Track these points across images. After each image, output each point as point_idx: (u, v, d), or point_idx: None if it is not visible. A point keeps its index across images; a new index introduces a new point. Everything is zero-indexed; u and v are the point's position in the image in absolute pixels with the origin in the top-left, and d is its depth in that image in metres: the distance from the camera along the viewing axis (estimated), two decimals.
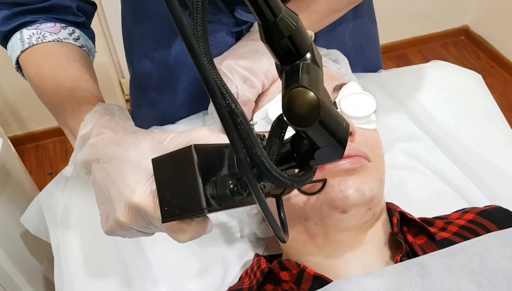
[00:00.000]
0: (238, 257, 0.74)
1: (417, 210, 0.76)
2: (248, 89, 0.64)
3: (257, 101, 0.66)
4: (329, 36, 0.75)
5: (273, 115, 0.61)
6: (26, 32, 0.66)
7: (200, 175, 0.38)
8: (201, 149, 0.39)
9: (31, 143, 2.36)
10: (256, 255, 0.68)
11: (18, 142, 2.33)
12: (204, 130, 0.47)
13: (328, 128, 0.35)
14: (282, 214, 0.47)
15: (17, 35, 0.66)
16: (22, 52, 0.66)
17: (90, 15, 0.75)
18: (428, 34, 2.72)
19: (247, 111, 0.65)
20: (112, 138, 0.52)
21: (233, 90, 0.65)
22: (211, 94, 0.30)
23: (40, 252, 1.00)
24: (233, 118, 0.31)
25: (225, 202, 0.39)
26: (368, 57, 0.92)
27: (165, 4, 0.28)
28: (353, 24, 0.84)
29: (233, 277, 0.72)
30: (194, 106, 0.85)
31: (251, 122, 0.63)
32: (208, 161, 0.40)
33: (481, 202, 0.78)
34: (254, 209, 0.72)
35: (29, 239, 0.89)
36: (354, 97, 0.63)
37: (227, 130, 0.31)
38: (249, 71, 0.64)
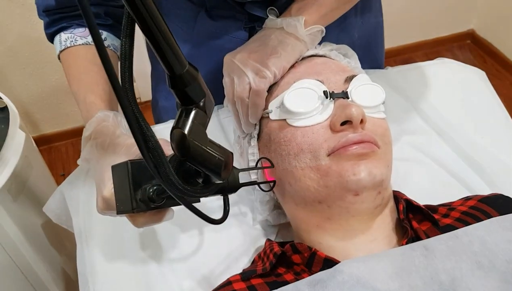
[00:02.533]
0: (251, 243, 0.77)
1: (422, 200, 0.79)
2: (259, 80, 0.67)
3: (271, 91, 0.70)
4: (338, 31, 0.79)
5: (288, 104, 0.64)
6: (63, 35, 0.79)
7: (132, 184, 0.54)
8: (138, 162, 0.54)
9: (44, 146, 2.41)
10: (268, 239, 0.72)
11: None
12: (162, 141, 0.57)
13: (200, 161, 0.47)
14: (227, 207, 0.60)
15: (57, 38, 0.80)
16: (60, 52, 0.79)
17: (120, 17, 0.82)
18: (434, 38, 2.75)
19: (260, 101, 0.68)
20: (102, 143, 0.66)
21: (245, 81, 0.68)
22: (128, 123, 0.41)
23: (60, 244, 1.04)
24: (146, 143, 0.43)
25: (149, 205, 0.55)
26: (375, 55, 0.96)
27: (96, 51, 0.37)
28: (361, 22, 0.87)
29: (246, 262, 0.76)
30: None
31: (266, 111, 0.67)
32: (141, 172, 0.54)
33: (484, 191, 0.80)
34: (266, 196, 0.76)
35: (49, 230, 0.92)
36: (364, 88, 0.66)
37: (142, 153, 0.43)
38: (261, 63, 0.68)
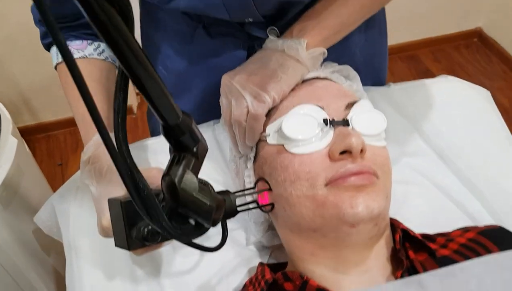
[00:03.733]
0: (243, 264, 0.76)
1: (419, 224, 0.78)
2: (258, 105, 0.65)
3: (269, 114, 0.68)
4: (340, 50, 0.76)
5: (287, 130, 0.63)
6: None
7: (126, 223, 0.55)
8: (131, 201, 0.53)
9: (42, 134, 2.40)
10: (260, 264, 0.70)
11: (30, 132, 2.37)
12: (155, 171, 0.61)
13: (190, 208, 0.47)
14: (225, 232, 0.59)
15: (54, 49, 0.78)
16: (57, 64, 0.77)
17: None
18: (441, 35, 2.71)
19: (257, 125, 0.66)
20: (100, 169, 0.65)
21: (243, 105, 0.66)
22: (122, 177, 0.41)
23: (51, 249, 1.03)
24: (139, 193, 0.43)
25: (144, 243, 0.56)
26: (377, 71, 0.94)
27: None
28: (364, 39, 0.85)
29: (238, 283, 0.75)
30: (205, 115, 0.87)
31: (263, 134, 0.65)
32: (135, 211, 0.53)
33: (484, 218, 0.79)
34: (261, 217, 0.74)
35: (40, 236, 0.91)
36: (365, 115, 0.64)
37: (135, 203, 0.44)
38: (260, 87, 0.66)
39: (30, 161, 1.04)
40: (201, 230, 0.53)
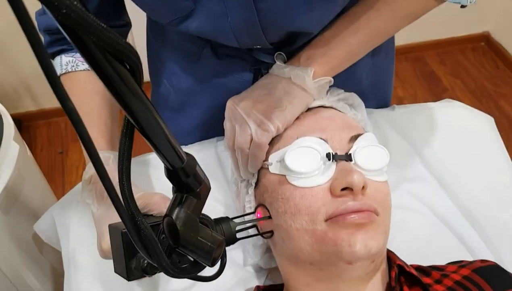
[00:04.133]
0: (240, 284, 0.77)
1: (415, 251, 0.79)
2: (262, 133, 0.65)
3: (272, 142, 0.68)
4: (346, 75, 0.76)
5: (289, 162, 0.63)
6: (64, 58, 0.76)
7: (126, 253, 0.55)
8: None
9: (43, 120, 2.40)
10: (257, 288, 0.71)
11: (30, 118, 2.37)
12: (158, 198, 0.60)
13: (190, 249, 0.47)
14: (224, 259, 0.58)
15: (58, 59, 0.77)
16: (60, 75, 0.76)
17: (122, 36, 0.78)
18: (448, 38, 2.69)
19: (260, 154, 0.66)
20: (101, 190, 0.64)
21: (247, 132, 0.66)
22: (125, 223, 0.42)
23: (49, 253, 1.04)
24: (140, 233, 0.44)
25: (143, 274, 0.56)
26: (383, 92, 0.93)
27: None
28: (372, 63, 0.84)
29: None
30: (209, 132, 0.87)
31: (266, 163, 0.66)
32: None
33: (481, 250, 0.80)
34: (259, 240, 0.75)
35: (39, 240, 0.92)
36: (368, 149, 0.64)
37: (134, 241, 0.44)
38: (264, 116, 0.66)
39: (32, 165, 1.04)
40: (199, 267, 0.53)
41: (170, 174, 0.45)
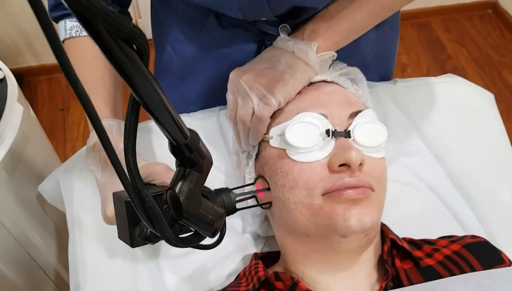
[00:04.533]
0: (238, 251, 0.80)
1: (409, 224, 0.81)
2: (263, 107, 0.66)
3: (274, 116, 0.69)
4: (350, 48, 0.76)
5: (290, 137, 0.64)
6: (69, 23, 0.76)
7: (129, 221, 0.57)
8: None
9: (44, 76, 2.39)
10: (255, 255, 0.74)
11: (32, 73, 2.36)
12: (160, 168, 0.62)
13: (192, 221, 0.50)
14: (224, 229, 0.59)
15: (62, 23, 0.76)
16: (64, 39, 0.76)
17: (126, 3, 0.80)
18: (455, 4, 2.65)
19: (262, 127, 0.68)
20: (106, 157, 0.62)
21: (249, 105, 0.67)
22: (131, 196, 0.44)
23: (53, 213, 1.06)
24: (144, 205, 0.45)
25: (146, 242, 0.58)
26: (386, 65, 0.93)
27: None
28: (375, 36, 0.84)
29: (232, 269, 0.78)
30: (211, 100, 0.88)
31: (266, 136, 0.67)
32: None
33: (472, 223, 0.82)
34: (258, 210, 0.77)
35: (43, 200, 0.94)
36: (367, 126, 0.66)
37: (139, 213, 0.46)
38: (267, 89, 0.67)
39: (35, 125, 1.05)
40: (200, 237, 0.55)
41: (174, 149, 0.47)
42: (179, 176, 0.48)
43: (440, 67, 2.48)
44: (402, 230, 0.79)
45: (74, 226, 0.80)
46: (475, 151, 0.88)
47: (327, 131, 0.64)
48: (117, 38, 0.33)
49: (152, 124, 0.89)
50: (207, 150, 0.51)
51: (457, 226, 0.82)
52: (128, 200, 0.58)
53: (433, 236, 0.78)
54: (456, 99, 0.91)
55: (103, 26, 0.31)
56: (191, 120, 0.88)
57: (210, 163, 0.51)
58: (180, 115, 0.90)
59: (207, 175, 0.51)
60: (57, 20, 0.78)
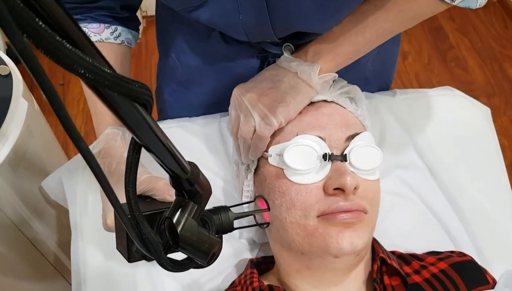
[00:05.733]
0: (235, 255, 0.83)
1: (400, 235, 0.85)
2: (264, 126, 0.68)
3: (274, 134, 0.71)
4: (350, 64, 0.77)
5: (288, 159, 0.66)
6: None
7: (128, 238, 0.58)
8: None
9: None
10: (251, 263, 0.77)
11: (32, 47, 2.34)
12: (162, 184, 0.63)
13: (189, 250, 0.50)
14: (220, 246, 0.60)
15: None
16: None
17: (135, 5, 0.81)
18: None
19: (262, 145, 0.70)
20: (109, 165, 0.67)
21: (251, 124, 0.69)
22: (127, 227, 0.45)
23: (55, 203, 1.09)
24: (143, 238, 0.47)
25: (142, 259, 0.60)
26: (385, 77, 0.95)
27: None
28: (377, 51, 0.85)
29: (228, 273, 0.82)
30: (213, 107, 0.90)
31: (266, 153, 0.69)
32: None
33: (461, 236, 0.85)
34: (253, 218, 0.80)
35: (45, 193, 0.96)
36: (363, 150, 0.68)
37: (136, 242, 0.47)
38: (268, 110, 0.68)
39: (40, 119, 1.06)
40: (195, 263, 0.57)
41: (175, 182, 0.48)
42: (178, 206, 0.50)
43: (441, 56, 2.48)
44: (394, 240, 0.83)
45: (76, 226, 0.82)
46: (469, 166, 0.90)
47: (324, 156, 0.66)
48: (125, 99, 0.34)
49: (162, 127, 0.91)
50: (207, 180, 0.52)
51: (447, 238, 0.86)
52: (128, 216, 0.59)
53: (423, 247, 0.82)
54: (453, 114, 0.93)
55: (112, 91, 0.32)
56: (192, 126, 0.89)
57: (209, 193, 0.53)
58: (182, 120, 0.92)
59: (206, 204, 0.53)
60: None
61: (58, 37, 0.26)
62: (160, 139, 0.41)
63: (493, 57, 2.47)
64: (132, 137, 0.43)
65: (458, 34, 2.57)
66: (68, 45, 0.26)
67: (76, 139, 0.30)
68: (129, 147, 0.43)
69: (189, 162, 0.49)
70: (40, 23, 0.25)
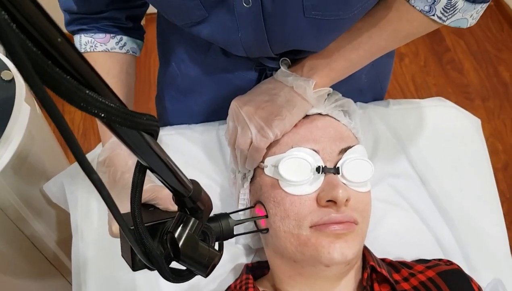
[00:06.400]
0: (231, 260, 0.86)
1: (391, 242, 0.88)
2: (261, 139, 0.71)
3: (270, 145, 0.73)
4: (346, 78, 0.80)
5: (283, 171, 0.69)
6: (84, 38, 0.79)
7: (132, 248, 0.58)
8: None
9: None
10: (246, 268, 0.80)
11: None
12: (166, 193, 0.65)
13: (189, 263, 0.53)
14: (221, 252, 0.62)
15: (77, 37, 0.79)
16: None
17: (140, 15, 0.83)
18: None
19: (258, 156, 0.72)
20: (114, 174, 0.70)
21: (247, 135, 0.72)
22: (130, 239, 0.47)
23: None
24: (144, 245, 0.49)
25: (146, 268, 0.58)
26: (379, 88, 0.97)
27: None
28: (371, 64, 0.87)
29: (223, 277, 0.84)
30: (212, 115, 0.92)
31: (262, 164, 0.71)
32: None
33: (451, 245, 0.88)
34: (251, 224, 0.83)
35: (46, 195, 0.99)
36: (355, 163, 0.70)
37: (140, 256, 0.49)
38: (265, 123, 0.71)
39: (42, 123, 1.08)
40: (195, 274, 0.60)
41: (177, 200, 0.51)
42: (180, 221, 0.53)
43: (437, 59, 2.50)
44: (385, 247, 0.86)
45: (77, 231, 0.85)
46: (459, 176, 0.93)
47: (318, 168, 0.68)
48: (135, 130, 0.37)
49: (162, 134, 0.93)
50: (208, 197, 0.55)
51: (436, 246, 0.89)
52: (132, 228, 0.62)
53: (413, 254, 0.85)
54: (445, 124, 0.96)
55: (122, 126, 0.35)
56: (191, 133, 0.92)
57: (210, 209, 0.55)
58: (181, 127, 0.94)
59: (207, 219, 0.56)
60: (72, 34, 0.80)
61: (74, 82, 0.28)
62: (164, 162, 0.43)
63: (488, 61, 2.49)
64: (137, 162, 0.45)
65: (454, 37, 2.59)
66: (83, 88, 0.28)
67: (88, 171, 0.33)
68: (135, 168, 0.46)
69: (191, 180, 0.51)
70: (57, 69, 0.27)
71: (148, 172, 0.48)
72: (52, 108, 0.27)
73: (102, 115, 0.31)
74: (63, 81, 0.27)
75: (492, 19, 2.66)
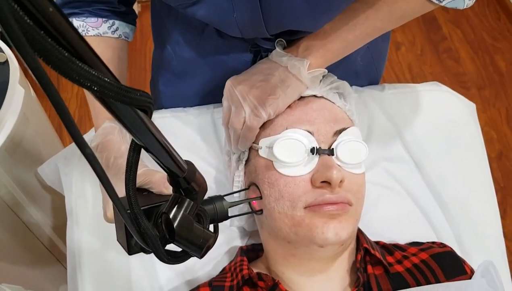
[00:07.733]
0: (226, 242, 0.86)
1: (385, 225, 0.88)
2: (254, 118, 0.71)
3: (264, 126, 0.73)
4: (340, 60, 0.80)
5: (277, 152, 0.69)
6: (75, 22, 0.77)
7: (127, 231, 0.60)
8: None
9: None
10: (241, 250, 0.80)
11: None
12: (159, 176, 0.65)
13: (184, 244, 0.53)
14: (217, 234, 0.62)
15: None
16: None
17: (132, 1, 0.82)
18: None
19: (251, 136, 0.73)
20: (107, 159, 0.69)
21: (241, 115, 0.72)
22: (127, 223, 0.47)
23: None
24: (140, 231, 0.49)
25: (141, 251, 0.60)
26: (375, 72, 0.97)
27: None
28: (367, 47, 0.87)
29: (219, 259, 0.85)
30: (207, 98, 0.92)
31: (256, 145, 0.72)
32: None
33: (444, 228, 0.89)
34: (245, 206, 0.83)
35: (41, 179, 0.98)
36: (349, 144, 0.71)
37: (135, 237, 0.49)
38: (258, 102, 0.71)
39: (36, 106, 1.07)
40: (190, 255, 0.60)
41: (172, 180, 0.51)
42: (174, 202, 0.53)
43: (434, 48, 2.50)
44: (378, 230, 0.86)
45: (72, 213, 0.85)
46: (453, 160, 0.93)
47: (312, 150, 0.69)
48: (129, 106, 0.37)
49: (157, 117, 0.92)
50: (203, 178, 0.55)
51: (429, 229, 0.89)
52: (128, 211, 0.62)
53: (407, 237, 0.85)
54: (439, 109, 0.96)
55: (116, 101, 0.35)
56: (186, 116, 0.92)
57: (204, 190, 0.55)
58: (176, 110, 0.94)
59: (201, 201, 0.56)
60: None
61: (66, 53, 0.28)
62: (159, 141, 0.43)
63: (484, 50, 2.49)
64: (132, 141, 0.45)
65: (451, 25, 2.59)
66: (76, 60, 0.28)
67: (81, 145, 0.33)
68: (130, 147, 0.45)
69: (186, 160, 0.51)
70: (49, 40, 0.27)
71: (141, 157, 0.48)
72: (44, 78, 0.27)
73: (95, 88, 0.31)
74: (55, 52, 0.27)
75: (489, 8, 2.66)
